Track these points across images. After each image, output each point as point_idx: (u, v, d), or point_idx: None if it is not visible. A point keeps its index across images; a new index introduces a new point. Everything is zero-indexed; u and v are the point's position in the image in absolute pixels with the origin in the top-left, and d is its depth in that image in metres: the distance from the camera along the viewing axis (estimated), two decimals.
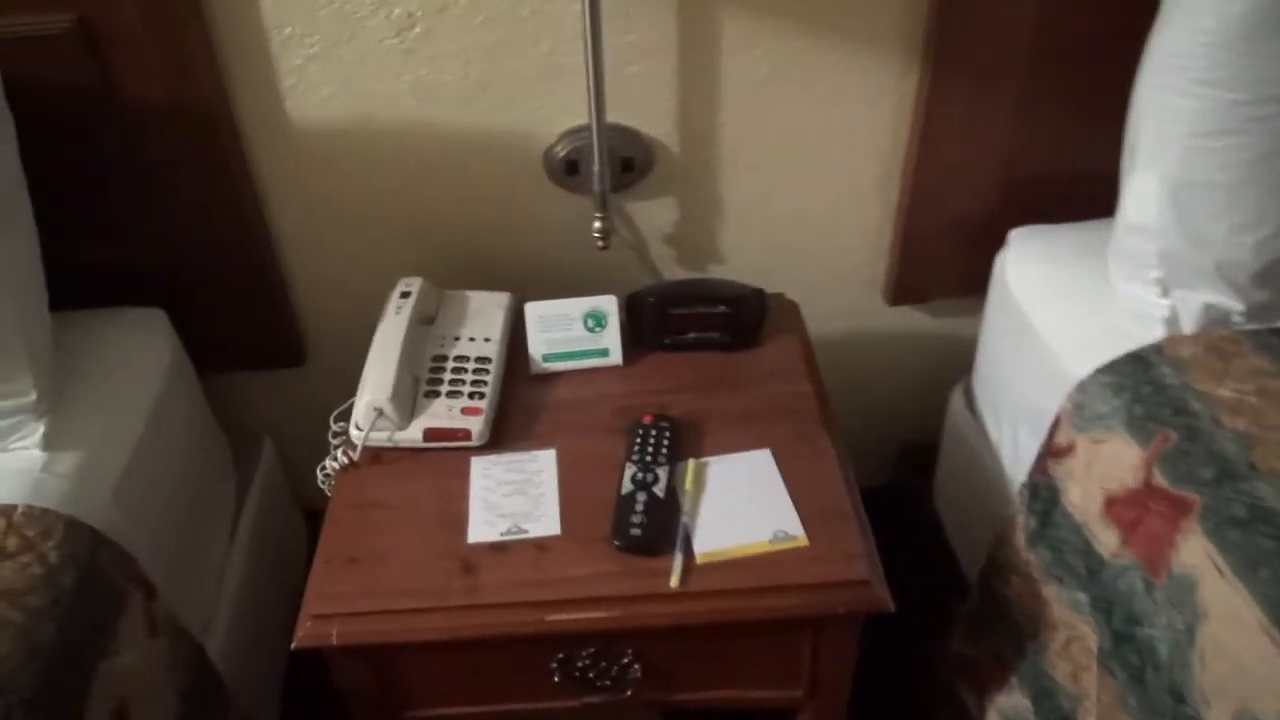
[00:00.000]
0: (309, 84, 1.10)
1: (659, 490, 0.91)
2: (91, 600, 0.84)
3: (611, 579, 0.86)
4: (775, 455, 0.96)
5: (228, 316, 1.23)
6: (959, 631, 1.12)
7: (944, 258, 1.28)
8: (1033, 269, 1.14)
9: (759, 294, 1.10)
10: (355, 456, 0.97)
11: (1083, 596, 0.92)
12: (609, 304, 1.06)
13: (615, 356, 1.07)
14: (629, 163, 1.17)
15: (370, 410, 0.96)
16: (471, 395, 1.00)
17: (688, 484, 0.93)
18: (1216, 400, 0.88)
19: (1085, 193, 1.11)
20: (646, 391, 1.05)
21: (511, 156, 1.17)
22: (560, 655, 0.89)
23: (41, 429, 0.94)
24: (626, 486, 0.92)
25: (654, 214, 1.24)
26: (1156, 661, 0.82)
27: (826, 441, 0.98)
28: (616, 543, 0.88)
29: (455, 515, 0.92)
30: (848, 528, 0.89)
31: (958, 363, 1.33)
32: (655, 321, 1.09)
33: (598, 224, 1.17)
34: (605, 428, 1.00)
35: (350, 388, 0.99)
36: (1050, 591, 0.96)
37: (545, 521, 0.91)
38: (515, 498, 0.93)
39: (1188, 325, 0.98)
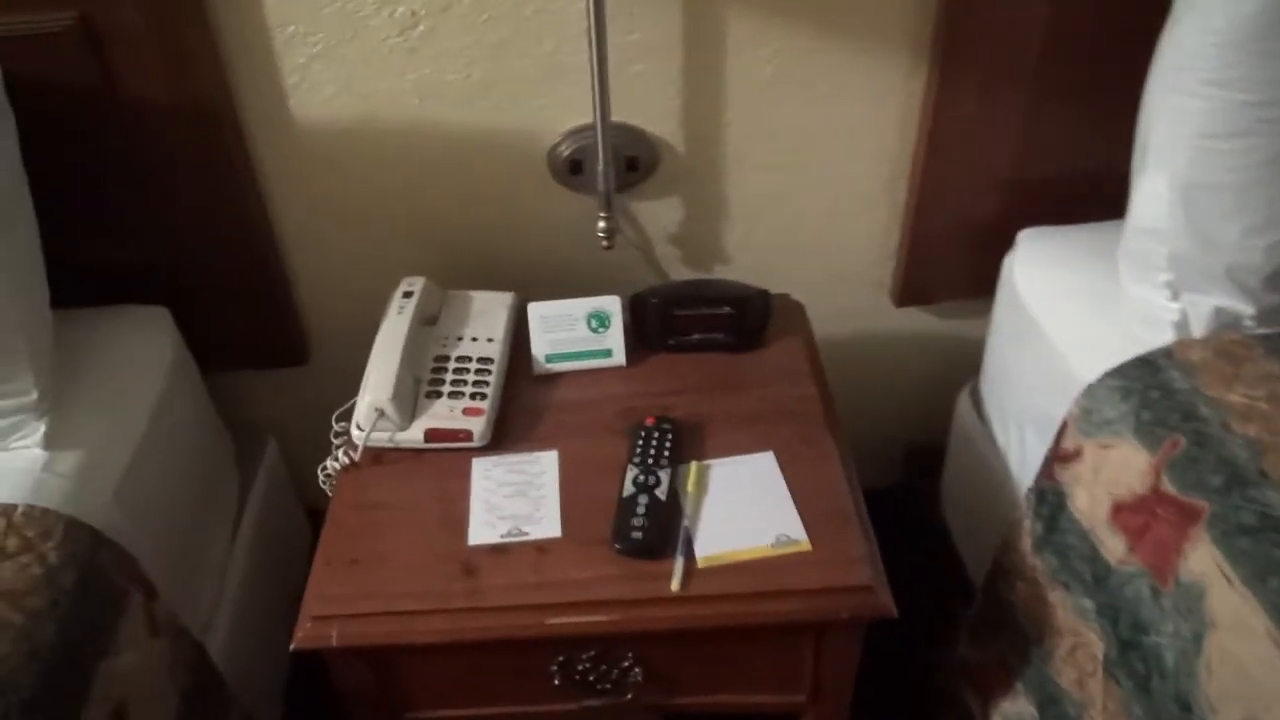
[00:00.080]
0: (312, 83, 1.10)
1: (661, 493, 0.90)
2: (92, 601, 0.84)
3: (612, 582, 0.86)
4: (778, 458, 0.96)
5: (231, 315, 1.23)
6: (964, 636, 1.12)
7: (952, 259, 1.26)
8: (1041, 271, 1.13)
9: (763, 295, 1.09)
10: (356, 457, 0.97)
11: (1089, 603, 0.91)
12: (612, 304, 1.06)
13: (619, 357, 1.07)
14: (633, 162, 1.16)
15: (371, 410, 0.95)
16: (473, 396, 0.99)
17: (690, 487, 0.92)
18: (1226, 406, 0.87)
19: (1095, 194, 1.10)
20: (650, 393, 1.04)
21: (515, 156, 1.16)
22: (560, 658, 0.89)
23: (42, 428, 0.94)
24: (628, 489, 0.91)
25: (659, 214, 1.23)
26: (1163, 669, 0.81)
27: (830, 444, 0.98)
28: (617, 546, 0.87)
29: (456, 517, 0.92)
30: (851, 532, 0.88)
31: (965, 365, 1.32)
32: (659, 322, 1.08)
33: (602, 224, 1.16)
34: (608, 429, 1.00)
35: (354, 387, 0.99)
36: (1056, 597, 0.95)
37: (546, 524, 0.90)
38: (516, 499, 0.93)
39: (1198, 329, 0.97)
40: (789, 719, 0.99)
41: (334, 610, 0.85)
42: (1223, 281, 0.95)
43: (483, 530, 0.90)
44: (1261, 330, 0.95)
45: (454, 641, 0.85)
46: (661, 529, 0.88)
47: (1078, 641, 0.92)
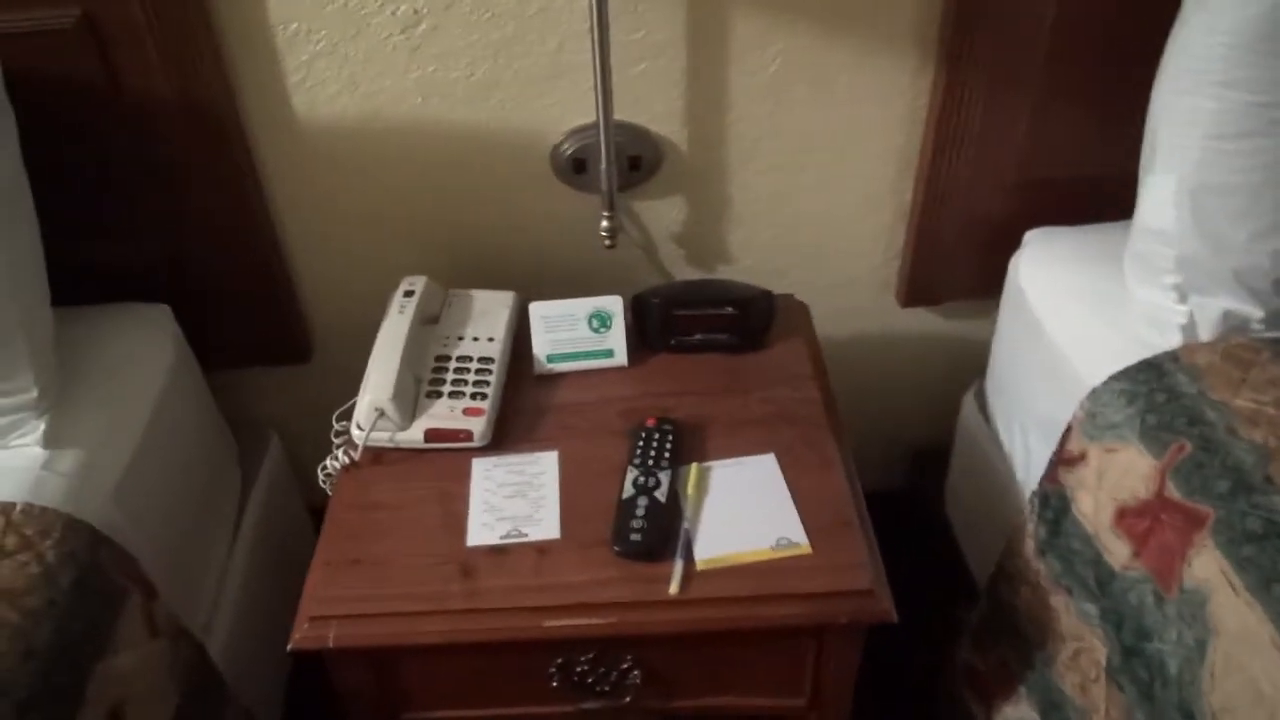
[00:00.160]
0: (315, 81, 1.09)
1: (660, 495, 0.90)
2: (89, 600, 0.84)
3: (611, 584, 0.85)
4: (780, 460, 0.95)
5: (233, 313, 1.23)
6: (967, 640, 1.11)
7: (958, 259, 1.26)
8: (1047, 272, 1.12)
9: (767, 295, 1.08)
10: (356, 456, 0.96)
11: (1092, 608, 0.90)
12: (614, 304, 1.05)
13: (620, 357, 1.06)
14: (637, 161, 1.15)
15: (371, 410, 0.95)
16: (474, 396, 0.99)
17: (690, 489, 0.92)
18: (1233, 410, 0.86)
19: (1103, 195, 1.09)
20: (651, 394, 1.04)
21: (518, 154, 1.16)
22: (559, 660, 0.88)
23: (42, 426, 0.94)
24: (628, 491, 0.91)
25: (662, 213, 1.23)
26: (1166, 677, 0.80)
27: (833, 447, 0.97)
28: (616, 548, 0.86)
29: (456, 517, 0.92)
30: (852, 536, 0.88)
31: (971, 366, 1.31)
32: (661, 322, 1.07)
33: (605, 223, 1.16)
34: (609, 430, 0.99)
35: (356, 385, 0.99)
36: (1059, 602, 0.95)
37: (545, 525, 0.90)
38: (516, 500, 0.92)
39: (1205, 332, 0.96)
40: None
41: (332, 611, 0.84)
42: (1231, 284, 0.94)
43: (481, 531, 0.90)
44: (1270, 334, 0.94)
45: (452, 643, 0.85)
46: (661, 531, 0.87)
47: (1080, 647, 0.91)
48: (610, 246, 1.18)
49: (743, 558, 0.86)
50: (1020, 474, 1.13)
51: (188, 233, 1.16)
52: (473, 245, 1.24)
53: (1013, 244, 1.18)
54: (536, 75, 1.10)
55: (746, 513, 0.90)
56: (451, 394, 0.99)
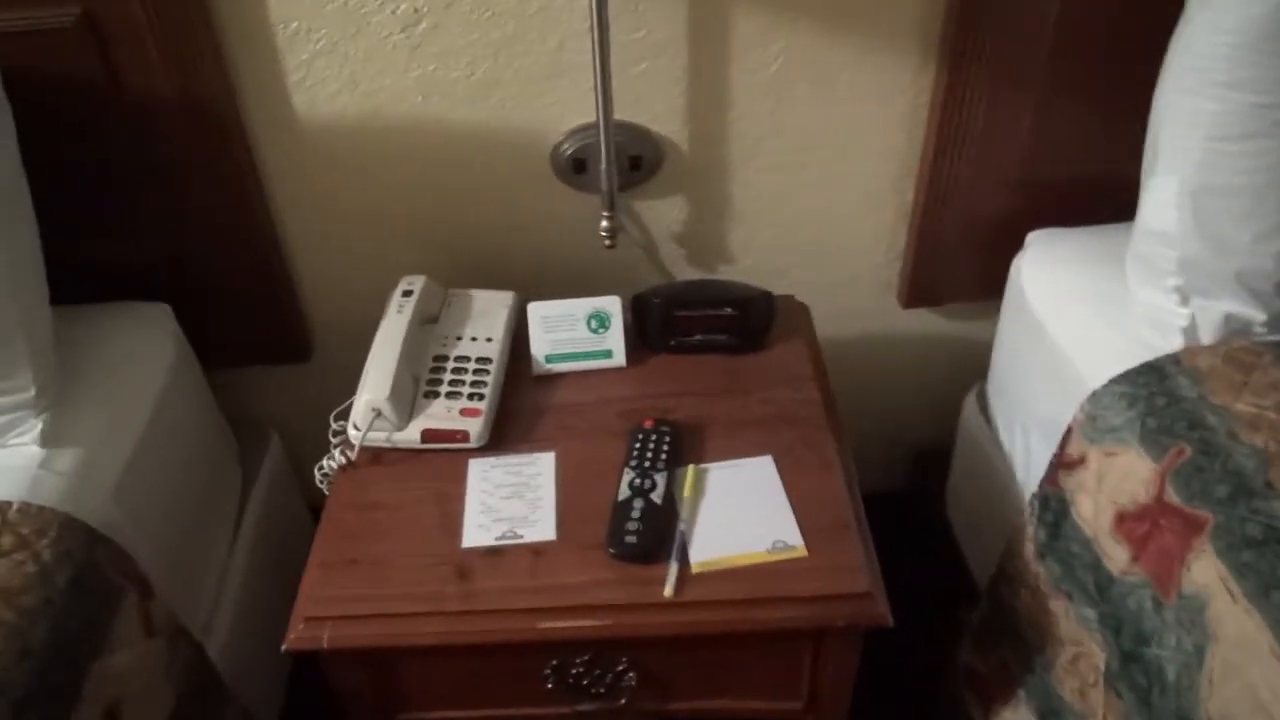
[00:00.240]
0: (316, 79, 1.09)
1: (656, 497, 0.89)
2: (86, 599, 0.84)
3: (606, 587, 0.85)
4: (778, 462, 0.95)
5: (234, 311, 1.23)
6: (968, 642, 1.10)
7: (960, 260, 1.25)
8: (1049, 273, 1.11)
9: (767, 296, 1.08)
10: (353, 456, 0.96)
11: (1091, 612, 0.89)
12: (612, 305, 1.05)
13: (619, 358, 1.06)
14: (637, 161, 1.15)
15: (368, 410, 0.95)
16: (471, 396, 0.99)
17: (686, 490, 0.91)
18: (1234, 415, 0.85)
19: (1107, 195, 1.08)
20: (650, 394, 1.04)
21: (519, 154, 1.16)
22: (554, 662, 0.88)
23: (40, 425, 0.94)
24: (624, 492, 0.90)
25: (663, 213, 1.22)
26: (1164, 683, 0.79)
27: (831, 449, 0.96)
28: (611, 550, 0.86)
29: (452, 518, 0.91)
30: (849, 539, 0.87)
31: (973, 367, 1.30)
32: (661, 323, 1.07)
33: (605, 223, 1.15)
34: (607, 431, 0.99)
35: (357, 384, 0.99)
36: (1058, 606, 0.94)
37: (541, 526, 0.90)
38: (512, 501, 0.92)
39: (1207, 335, 0.95)
40: None
41: (326, 612, 0.84)
42: (1233, 286, 0.93)
43: (477, 532, 0.89)
44: (1272, 337, 0.94)
45: (446, 644, 0.85)
46: (656, 533, 0.87)
47: (1079, 651, 0.91)
48: (610, 246, 1.18)
49: (738, 560, 0.86)
50: (1021, 476, 1.12)
51: (188, 231, 1.16)
52: (473, 244, 1.24)
53: (1015, 245, 1.18)
54: (537, 75, 1.10)
55: (743, 515, 0.89)
56: (449, 394, 0.99)
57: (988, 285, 1.22)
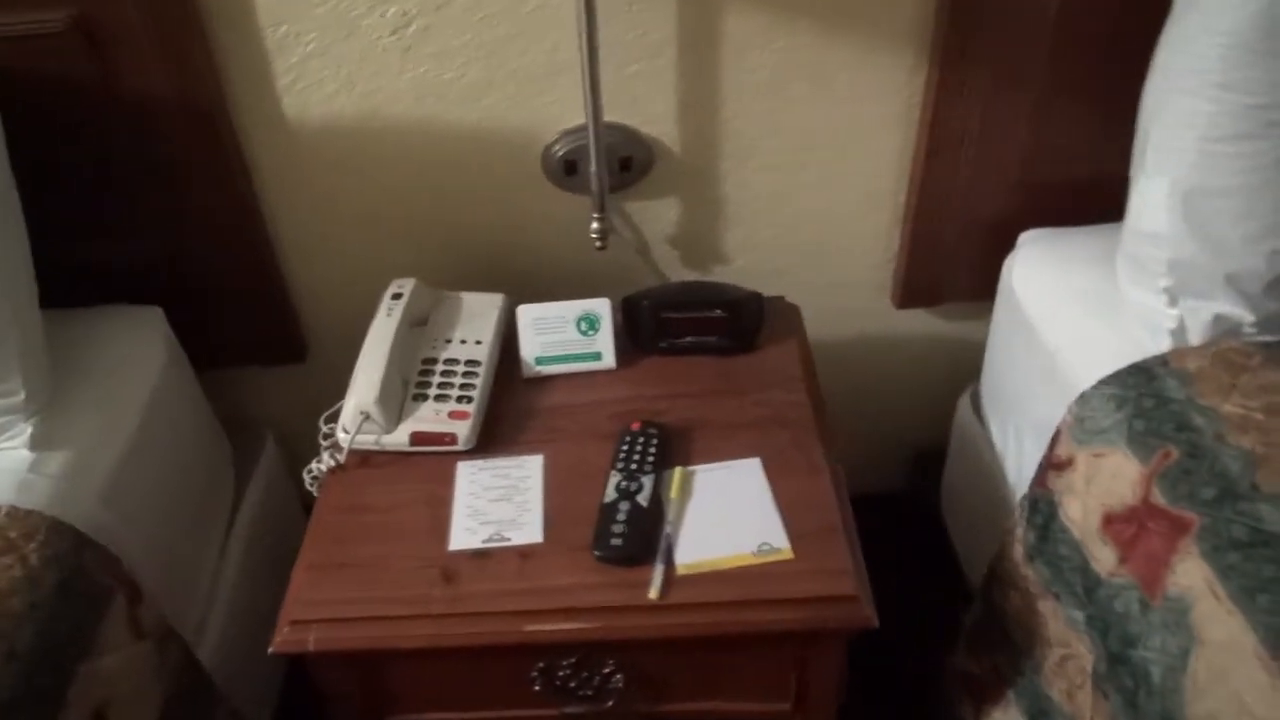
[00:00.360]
0: (307, 82, 1.09)
1: (643, 499, 0.89)
2: (73, 602, 0.84)
3: (592, 589, 0.85)
4: (766, 464, 0.94)
5: (228, 313, 1.23)
6: (961, 645, 1.10)
7: (956, 260, 1.24)
8: (1039, 273, 1.11)
9: (756, 298, 1.08)
10: (341, 459, 0.96)
11: (1079, 614, 0.89)
12: (602, 307, 1.05)
13: (608, 360, 1.06)
14: (628, 162, 1.15)
15: (356, 413, 0.95)
16: (459, 399, 0.99)
17: (673, 493, 0.91)
18: (1222, 416, 0.85)
19: (1104, 196, 1.07)
20: (640, 397, 1.03)
21: (511, 156, 1.16)
22: (541, 664, 0.88)
23: (29, 429, 0.94)
24: (610, 495, 0.90)
25: (655, 214, 1.22)
26: (1150, 685, 0.79)
27: (819, 451, 0.96)
28: (597, 553, 0.86)
29: (440, 521, 0.91)
30: (835, 541, 0.87)
31: (970, 367, 1.30)
32: (651, 325, 1.07)
33: (596, 224, 1.15)
34: (596, 433, 0.99)
35: None
36: (1048, 607, 0.94)
37: (528, 529, 0.90)
38: (500, 504, 0.92)
39: (1196, 336, 0.94)
40: None
41: (312, 615, 0.85)
42: (1223, 287, 0.93)
43: (464, 535, 0.90)
44: (1262, 338, 0.93)
45: (433, 647, 0.85)
46: (642, 536, 0.87)
47: (1068, 653, 0.90)
48: (601, 248, 1.18)
49: (724, 563, 0.85)
50: (1013, 477, 1.12)
51: (183, 233, 1.16)
52: (469, 246, 1.24)
53: (1011, 245, 1.17)
54: (529, 76, 1.10)
55: (729, 517, 0.89)
56: (438, 397, 0.99)
57: (984, 286, 1.21)
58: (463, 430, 0.96)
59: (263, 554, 1.25)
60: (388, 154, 1.16)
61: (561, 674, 0.89)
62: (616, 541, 0.86)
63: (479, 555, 0.88)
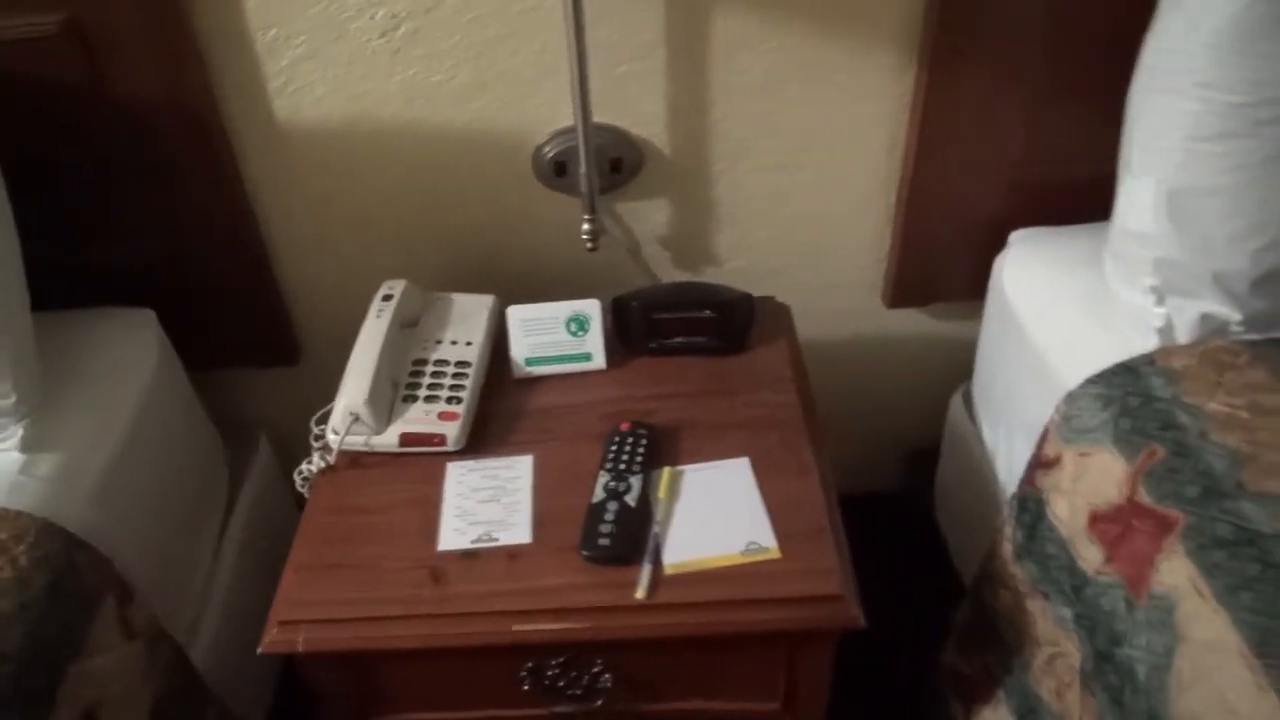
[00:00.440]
0: (298, 85, 1.10)
1: (631, 499, 0.90)
2: (64, 604, 0.84)
3: (580, 589, 0.85)
4: (755, 464, 0.95)
5: (223, 315, 1.24)
6: (952, 644, 1.10)
7: (948, 260, 1.24)
8: (1029, 273, 1.11)
9: (747, 298, 1.08)
10: (331, 460, 0.97)
11: (1067, 613, 0.89)
12: (591, 308, 1.05)
13: (598, 361, 1.06)
14: (618, 163, 1.15)
15: (346, 414, 0.95)
16: (449, 400, 0.99)
17: (661, 492, 0.91)
18: (1207, 415, 0.85)
19: (1095, 196, 1.07)
20: (630, 397, 1.04)
21: (501, 157, 1.16)
22: (529, 664, 0.88)
23: (20, 431, 0.95)
24: (598, 495, 0.90)
25: (646, 215, 1.23)
26: (1135, 683, 0.79)
27: (808, 451, 0.96)
28: (584, 553, 0.86)
29: (429, 522, 0.92)
30: (823, 541, 0.87)
31: (962, 367, 1.30)
32: (641, 325, 1.07)
33: (586, 226, 1.15)
34: (586, 434, 0.99)
35: None
36: (1036, 606, 0.94)
37: (517, 530, 0.90)
38: (489, 505, 0.93)
39: (1183, 335, 0.95)
40: None
41: (301, 615, 0.85)
42: (1209, 286, 0.93)
43: (452, 536, 0.90)
44: (1248, 336, 0.93)
45: (421, 648, 0.85)
46: (630, 536, 0.87)
47: (1056, 652, 0.91)
48: (593, 249, 1.18)
49: (712, 563, 0.86)
50: (1004, 476, 1.12)
51: (176, 235, 1.17)
52: (461, 247, 1.25)
53: (1003, 244, 1.17)
54: (519, 78, 1.10)
55: (717, 517, 0.89)
56: (427, 398, 0.99)
57: (976, 285, 1.21)
58: (452, 431, 0.96)
59: (257, 555, 1.25)
60: (378, 156, 1.16)
61: (550, 674, 0.89)
62: (604, 541, 0.86)
63: (468, 556, 0.88)
